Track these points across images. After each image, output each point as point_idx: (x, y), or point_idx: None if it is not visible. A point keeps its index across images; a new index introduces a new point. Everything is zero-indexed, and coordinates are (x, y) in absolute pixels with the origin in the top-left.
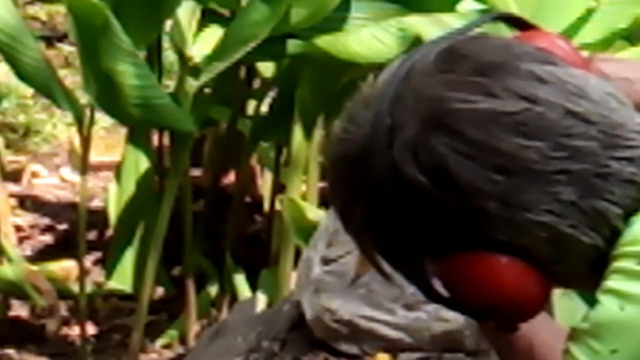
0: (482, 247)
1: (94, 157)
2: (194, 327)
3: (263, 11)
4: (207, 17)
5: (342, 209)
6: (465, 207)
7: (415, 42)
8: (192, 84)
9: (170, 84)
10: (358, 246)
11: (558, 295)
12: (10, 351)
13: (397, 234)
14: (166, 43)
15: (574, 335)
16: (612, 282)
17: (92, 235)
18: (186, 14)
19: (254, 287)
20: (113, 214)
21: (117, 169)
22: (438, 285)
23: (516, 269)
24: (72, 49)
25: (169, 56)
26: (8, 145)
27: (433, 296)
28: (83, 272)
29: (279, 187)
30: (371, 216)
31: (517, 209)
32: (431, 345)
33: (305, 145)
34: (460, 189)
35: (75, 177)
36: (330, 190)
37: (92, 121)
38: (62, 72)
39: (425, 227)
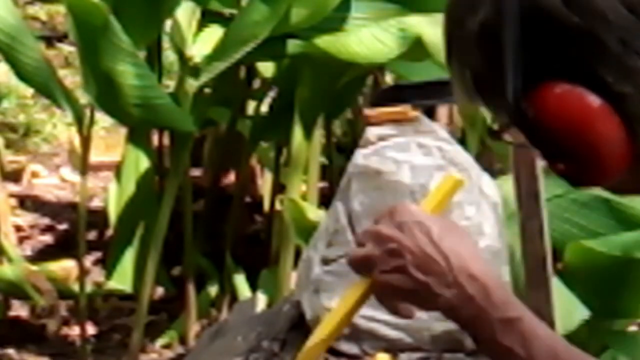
0: (584, 82)
1: (94, 157)
2: (194, 327)
3: (263, 11)
4: (207, 17)
5: (455, 23)
6: (586, 33)
7: (415, 42)
8: (192, 84)
9: (170, 84)
10: (455, 67)
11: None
12: (10, 351)
13: (507, 50)
14: (166, 43)
15: None
16: None
17: (92, 235)
18: (186, 14)
19: (254, 287)
20: (113, 214)
21: (117, 169)
22: (527, 110)
23: (608, 117)
24: (72, 49)
25: (169, 56)
26: (8, 145)
27: (517, 121)
28: (83, 272)
29: (279, 187)
30: (486, 28)
31: (633, 53)
32: (431, 345)
33: (305, 145)
34: (588, 12)
35: (75, 177)
36: (449, 4)
37: (92, 121)
38: (62, 72)
39: (538, 47)
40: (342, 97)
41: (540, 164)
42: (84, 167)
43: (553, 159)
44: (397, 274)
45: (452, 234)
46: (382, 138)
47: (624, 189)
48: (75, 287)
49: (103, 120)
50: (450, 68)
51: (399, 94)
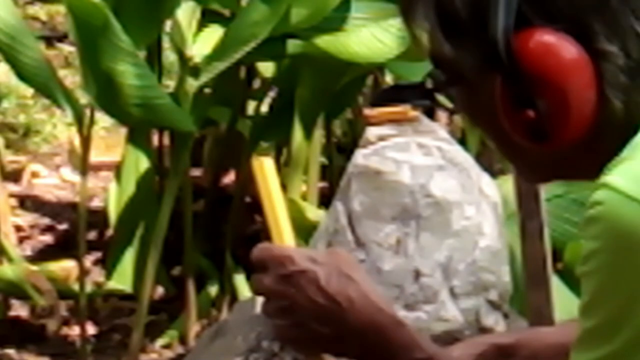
0: (572, 31)
1: (94, 157)
2: (194, 327)
3: (263, 11)
4: (207, 17)
5: None
6: None
7: None
8: (192, 84)
9: (170, 84)
10: (421, 7)
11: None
12: (10, 351)
13: None
14: (166, 43)
15: None
16: None
17: (92, 235)
18: (186, 14)
19: None
20: (113, 214)
21: (117, 169)
22: (513, 51)
23: (585, 71)
24: (72, 49)
25: (169, 56)
26: (8, 145)
27: (497, 62)
28: (83, 272)
29: None
30: None
31: (629, 12)
32: None
33: (305, 145)
34: None
35: (75, 177)
36: None
37: (92, 121)
38: (62, 72)
39: None
40: (342, 97)
41: None
42: (84, 167)
43: (523, 106)
44: (297, 327)
45: (339, 274)
46: (382, 138)
47: (565, 168)
48: (75, 287)
49: (103, 120)
50: (410, 10)
51: (399, 94)
